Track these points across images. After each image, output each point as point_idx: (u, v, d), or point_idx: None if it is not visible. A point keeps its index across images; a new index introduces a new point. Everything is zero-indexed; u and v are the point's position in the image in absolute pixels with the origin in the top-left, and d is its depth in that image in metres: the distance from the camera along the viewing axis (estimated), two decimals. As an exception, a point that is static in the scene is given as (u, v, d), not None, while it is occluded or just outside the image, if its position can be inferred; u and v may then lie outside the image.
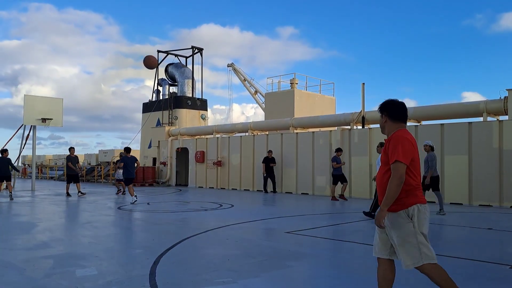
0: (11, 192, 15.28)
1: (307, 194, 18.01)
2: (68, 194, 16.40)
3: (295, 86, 24.93)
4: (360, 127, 17.51)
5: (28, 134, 20.42)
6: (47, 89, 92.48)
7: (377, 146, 11.07)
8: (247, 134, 21.85)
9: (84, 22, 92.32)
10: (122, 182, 16.75)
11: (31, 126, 20.02)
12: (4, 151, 15.63)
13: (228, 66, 32.29)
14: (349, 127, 17.72)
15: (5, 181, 15.59)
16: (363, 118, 17.43)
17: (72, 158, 16.85)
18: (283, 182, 19.15)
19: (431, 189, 11.02)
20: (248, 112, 74.16)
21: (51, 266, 5.34)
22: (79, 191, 16.63)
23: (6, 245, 6.73)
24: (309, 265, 5.55)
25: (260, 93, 30.96)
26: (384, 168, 3.46)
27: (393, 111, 3.54)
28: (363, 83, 17.49)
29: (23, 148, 21.25)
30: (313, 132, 18.62)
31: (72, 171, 16.83)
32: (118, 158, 19.75)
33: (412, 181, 3.37)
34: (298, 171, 18.62)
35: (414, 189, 3.38)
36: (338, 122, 18.56)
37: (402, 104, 3.58)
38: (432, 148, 11.18)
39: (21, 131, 20.88)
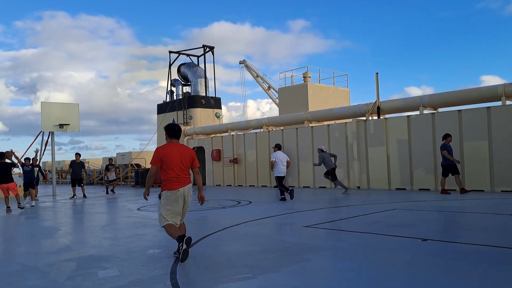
0: (33, 199, 15.45)
1: (325, 187, 17.92)
2: (74, 196, 17.66)
3: (308, 79, 24.81)
4: (375, 117, 17.34)
5: (47, 140, 20.82)
6: (65, 95, 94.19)
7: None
8: (262, 130, 21.84)
9: (97, 27, 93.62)
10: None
11: (49, 132, 20.39)
12: (28, 159, 15.87)
13: (240, 63, 32.32)
14: (364, 118, 17.55)
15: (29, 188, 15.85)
16: (378, 108, 17.24)
17: (75, 164, 18.30)
18: (300, 176, 19.10)
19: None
20: (263, 107, 74.15)
21: (73, 268, 5.43)
22: (83, 194, 18.06)
23: (31, 249, 6.87)
24: (328, 258, 5.53)
25: (274, 89, 30.92)
26: None
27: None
28: (377, 73, 17.31)
29: (42, 154, 21.67)
30: (328, 125, 18.50)
31: (76, 175, 18.23)
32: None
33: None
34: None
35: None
36: (353, 114, 18.41)
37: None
38: (322, 150, 14.78)
39: (40, 137, 21.30)
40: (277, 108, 27.41)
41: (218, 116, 29.84)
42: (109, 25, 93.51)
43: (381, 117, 17.19)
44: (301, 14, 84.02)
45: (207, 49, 30.99)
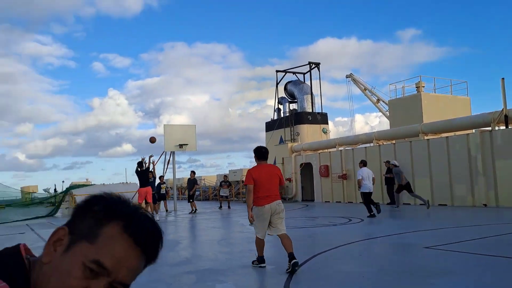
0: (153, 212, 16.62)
1: (445, 205, 16.48)
2: (194, 210, 18.57)
3: (422, 89, 23.31)
4: (503, 127, 15.54)
5: (169, 160, 22.63)
6: (183, 117, 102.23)
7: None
8: (372, 144, 21.02)
9: (210, 53, 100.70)
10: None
11: (171, 152, 22.17)
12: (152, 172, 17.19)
13: (347, 77, 31.76)
14: (489, 128, 15.84)
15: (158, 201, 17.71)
16: (505, 117, 15.44)
17: (190, 181, 20.31)
18: (416, 193, 17.84)
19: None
20: (372, 121, 71.60)
21: (194, 281, 5.72)
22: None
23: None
24: (456, 284, 5.00)
25: (383, 101, 29.69)
26: None
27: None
28: (503, 78, 15.60)
29: (165, 172, 23.61)
30: (447, 137, 17.09)
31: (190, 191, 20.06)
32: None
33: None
34: (432, 180, 17.20)
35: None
36: (476, 124, 16.74)
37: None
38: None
39: (163, 157, 23.28)
40: (387, 122, 26.20)
41: (325, 132, 29.56)
42: (222, 51, 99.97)
43: (509, 127, 15.35)
44: (410, 23, 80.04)
45: (313, 66, 31.11)
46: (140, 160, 15.51)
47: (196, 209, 18.90)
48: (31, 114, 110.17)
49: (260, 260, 6.35)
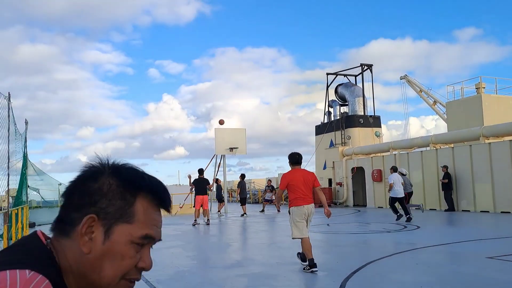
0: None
1: (508, 212, 15.47)
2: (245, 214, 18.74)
3: (482, 90, 22.08)
4: None
5: (220, 163, 22.99)
6: (233, 121, 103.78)
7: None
8: (428, 148, 20.17)
9: (260, 58, 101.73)
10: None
11: (221, 155, 22.52)
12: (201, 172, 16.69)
13: (401, 79, 30.77)
14: (559, 131, 14.71)
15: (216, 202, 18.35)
16: None
17: (241, 183, 20.61)
18: (476, 199, 16.92)
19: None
20: (428, 124, 68.72)
21: (245, 284, 5.75)
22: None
23: (208, 263, 7.58)
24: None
25: (440, 103, 28.44)
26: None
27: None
28: None
29: (216, 175, 24.01)
30: (510, 140, 16.06)
31: (242, 195, 20.27)
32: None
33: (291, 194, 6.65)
34: (494, 186, 16.22)
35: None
36: (544, 126, 15.61)
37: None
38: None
39: (214, 160, 23.69)
40: (444, 125, 25.05)
41: (378, 135, 28.73)
42: (272, 55, 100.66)
43: None
44: (470, 22, 76.15)
45: (365, 68, 30.39)
46: (201, 168, 16.01)
47: (245, 213, 19.14)
48: (92, 119, 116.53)
49: (312, 264, 6.26)
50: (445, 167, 17.45)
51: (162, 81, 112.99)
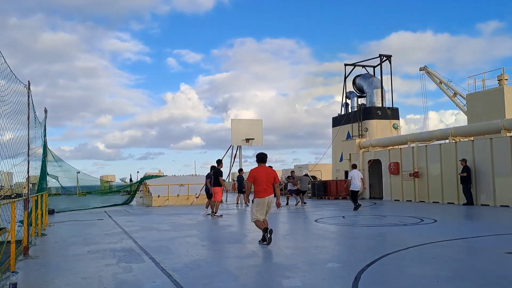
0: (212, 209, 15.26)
1: (530, 208, 15.15)
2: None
3: (505, 82, 21.56)
4: None
5: (236, 153, 23.08)
6: (250, 113, 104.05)
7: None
8: (447, 141, 19.83)
9: (279, 49, 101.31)
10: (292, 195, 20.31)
11: (238, 146, 22.58)
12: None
13: (420, 70, 30.26)
14: None
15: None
16: None
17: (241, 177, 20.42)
18: (496, 193, 16.61)
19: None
20: (447, 119, 67.71)
21: (261, 275, 5.78)
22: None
23: (223, 253, 7.63)
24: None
25: (461, 95, 27.91)
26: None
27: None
28: None
29: (232, 165, 24.11)
30: (533, 134, 15.67)
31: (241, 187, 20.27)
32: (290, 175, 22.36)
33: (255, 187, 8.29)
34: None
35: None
36: None
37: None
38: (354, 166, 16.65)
39: (230, 151, 23.77)
40: (464, 119, 24.57)
41: (396, 127, 28.38)
42: (290, 46, 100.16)
43: None
44: (493, 15, 74.43)
45: (384, 59, 29.92)
46: (220, 158, 15.56)
47: (247, 204, 19.05)
48: (110, 107, 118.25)
49: (264, 234, 8.17)
50: (464, 160, 17.14)
51: (179, 71, 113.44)
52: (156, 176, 27.14)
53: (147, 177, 25.60)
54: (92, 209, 19.80)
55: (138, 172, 42.03)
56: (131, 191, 26.37)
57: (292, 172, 22.78)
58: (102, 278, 5.71)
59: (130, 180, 39.68)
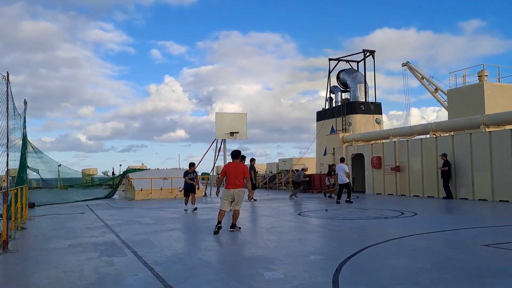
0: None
1: (507, 201, 15.55)
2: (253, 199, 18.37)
3: (485, 78, 21.96)
4: None
5: (220, 147, 23.03)
6: (235, 106, 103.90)
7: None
8: (427, 136, 20.17)
9: (264, 43, 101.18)
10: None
11: (222, 139, 22.54)
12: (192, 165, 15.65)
13: (403, 66, 30.58)
14: (560, 120, 14.68)
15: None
16: None
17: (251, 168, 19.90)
18: (475, 188, 16.99)
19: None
20: (429, 116, 68.84)
21: (243, 267, 5.82)
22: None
23: (206, 246, 7.64)
24: (518, 286, 4.71)
25: (442, 91, 28.35)
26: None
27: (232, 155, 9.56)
28: None
29: (216, 159, 24.07)
30: (511, 129, 16.04)
31: (252, 180, 19.09)
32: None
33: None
34: (493, 175, 16.27)
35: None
36: (545, 116, 15.58)
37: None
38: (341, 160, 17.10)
39: (214, 144, 23.70)
40: (445, 116, 24.98)
41: (378, 122, 28.70)
42: (275, 40, 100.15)
43: None
44: (475, 14, 75.65)
45: (367, 54, 30.16)
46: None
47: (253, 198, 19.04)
48: (93, 98, 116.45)
49: (218, 225, 9.00)
50: (445, 155, 17.47)
51: (164, 63, 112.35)
52: (139, 170, 26.93)
53: (130, 171, 25.38)
54: (74, 202, 19.56)
55: (120, 165, 41.67)
56: (114, 184, 26.12)
57: (333, 165, 20.12)
58: (83, 272, 5.67)
59: (113, 173, 39.27)
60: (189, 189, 14.99)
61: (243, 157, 19.34)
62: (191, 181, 15.10)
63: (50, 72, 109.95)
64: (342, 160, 17.12)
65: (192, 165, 15.48)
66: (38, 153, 18.71)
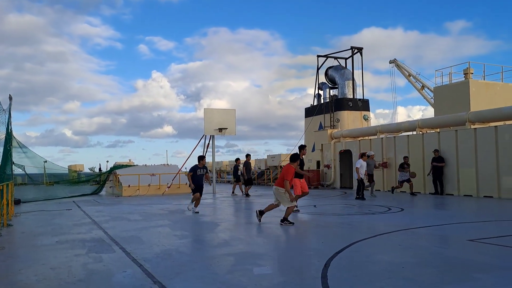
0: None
1: (491, 197, 15.84)
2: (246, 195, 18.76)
3: (470, 76, 22.26)
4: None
5: (208, 143, 22.95)
6: (223, 103, 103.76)
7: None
8: (414, 133, 20.40)
9: (253, 40, 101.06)
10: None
11: (210, 136, 22.48)
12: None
13: (390, 63, 30.82)
14: (543, 118, 14.98)
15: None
16: (563, 106, 14.52)
17: (247, 164, 19.67)
18: (460, 183, 17.26)
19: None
20: (415, 114, 69.62)
21: (232, 263, 5.83)
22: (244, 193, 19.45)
23: (195, 242, 7.65)
24: (502, 280, 4.82)
25: (428, 88, 28.67)
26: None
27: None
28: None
29: (205, 156, 23.98)
30: (495, 126, 16.32)
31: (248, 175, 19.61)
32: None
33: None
34: (478, 171, 16.54)
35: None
36: (529, 113, 15.87)
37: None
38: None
39: (203, 140, 23.62)
40: (430, 114, 25.29)
41: (366, 119, 28.92)
42: (264, 38, 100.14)
43: None
44: (461, 15, 76.67)
45: (355, 51, 30.33)
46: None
47: (243, 193, 19.26)
48: (79, 92, 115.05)
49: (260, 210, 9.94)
50: (437, 150, 17.70)
51: (151, 58, 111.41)
52: (127, 166, 26.74)
53: (117, 167, 25.19)
54: (60, 199, 19.35)
55: (107, 161, 41.28)
56: (101, 180, 25.89)
57: (406, 158, 18.48)
58: (71, 268, 5.63)
59: (100, 169, 38.93)
60: (200, 187, 12.42)
61: (296, 156, 17.58)
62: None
63: (36, 66, 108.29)
64: (361, 155, 16.42)
65: (201, 158, 12.69)
66: (23, 148, 18.43)
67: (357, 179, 16.06)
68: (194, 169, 12.51)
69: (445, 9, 78.44)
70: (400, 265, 5.46)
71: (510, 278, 4.91)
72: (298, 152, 11.41)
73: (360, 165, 15.91)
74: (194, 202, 12.48)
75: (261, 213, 9.80)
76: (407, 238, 7.54)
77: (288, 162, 9.78)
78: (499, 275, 5.01)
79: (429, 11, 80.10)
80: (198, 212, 12.26)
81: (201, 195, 12.51)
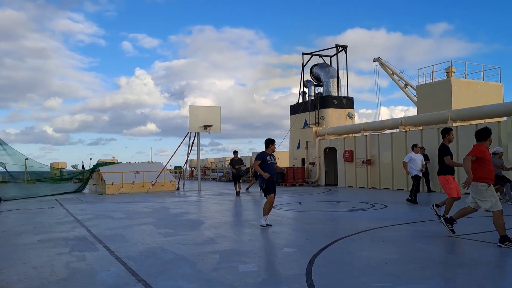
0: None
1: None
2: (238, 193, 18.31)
3: (452, 74, 22.62)
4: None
5: (193, 141, 22.85)
6: (208, 101, 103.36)
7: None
8: (397, 130, 20.66)
9: (238, 38, 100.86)
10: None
11: (195, 133, 22.37)
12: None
13: (374, 61, 31.10)
14: (522, 116, 15.32)
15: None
16: (541, 104, 14.87)
17: (237, 161, 19.12)
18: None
19: None
20: (397, 114, 70.56)
21: (217, 261, 5.83)
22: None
23: (180, 240, 7.61)
24: (482, 274, 4.93)
25: (411, 86, 29.03)
26: None
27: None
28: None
29: (189, 153, 23.88)
30: (476, 124, 16.63)
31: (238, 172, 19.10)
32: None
33: None
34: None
35: None
36: (508, 111, 16.22)
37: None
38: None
39: (187, 138, 23.49)
40: (413, 113, 25.62)
41: (350, 116, 29.14)
42: (249, 37, 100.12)
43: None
44: (442, 17, 77.93)
45: (340, 49, 30.51)
46: None
47: (239, 191, 18.52)
48: (60, 89, 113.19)
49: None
50: (423, 148, 17.93)
51: (135, 55, 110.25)
52: (110, 163, 26.43)
53: (100, 164, 24.87)
54: (42, 197, 19.03)
55: (90, 158, 40.84)
56: (84, 178, 25.55)
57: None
58: (54, 267, 5.55)
59: (83, 167, 38.39)
60: (273, 183, 9.26)
61: (236, 152, 17.77)
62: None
63: (16, 62, 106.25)
64: (412, 147, 13.33)
65: (271, 142, 9.60)
66: (4, 145, 18.07)
67: (412, 177, 12.97)
68: (263, 156, 9.20)
69: (427, 11, 79.74)
70: (384, 261, 5.53)
71: (491, 273, 5.02)
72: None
73: (410, 159, 12.67)
74: (264, 209, 9.16)
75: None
76: (390, 235, 7.63)
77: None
78: (479, 270, 5.11)
79: (412, 13, 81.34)
80: (271, 225, 9.12)
81: (275, 194, 9.27)
